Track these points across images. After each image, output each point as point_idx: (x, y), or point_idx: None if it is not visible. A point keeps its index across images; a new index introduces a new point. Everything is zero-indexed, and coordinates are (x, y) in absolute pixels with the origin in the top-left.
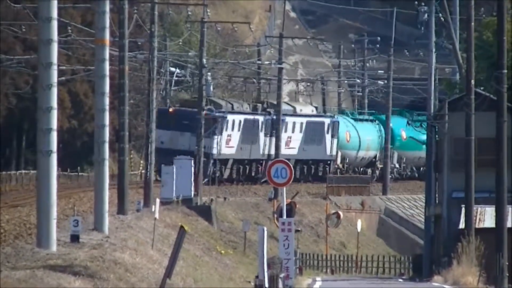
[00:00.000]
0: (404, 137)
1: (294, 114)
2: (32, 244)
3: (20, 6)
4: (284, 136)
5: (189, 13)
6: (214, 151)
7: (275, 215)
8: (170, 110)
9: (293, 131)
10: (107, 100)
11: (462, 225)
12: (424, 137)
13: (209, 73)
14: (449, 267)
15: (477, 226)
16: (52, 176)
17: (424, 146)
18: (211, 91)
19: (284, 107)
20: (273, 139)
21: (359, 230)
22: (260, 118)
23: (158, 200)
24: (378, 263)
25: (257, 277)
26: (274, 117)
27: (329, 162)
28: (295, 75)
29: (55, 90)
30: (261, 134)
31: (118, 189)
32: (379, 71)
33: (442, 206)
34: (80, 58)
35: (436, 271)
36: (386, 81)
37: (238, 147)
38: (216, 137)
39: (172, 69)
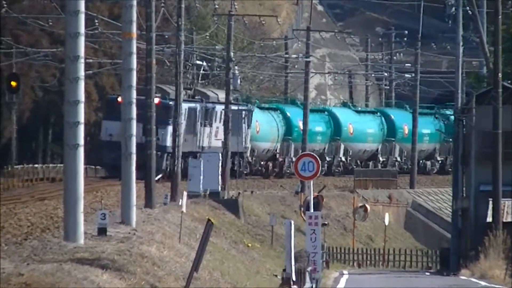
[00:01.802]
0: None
1: (219, 102)
2: (59, 238)
3: None
4: (214, 127)
5: (216, 6)
6: (168, 143)
7: (302, 209)
8: (119, 99)
9: (220, 121)
10: (134, 94)
11: (489, 218)
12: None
13: (236, 67)
14: (476, 261)
15: (504, 220)
16: (79, 170)
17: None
18: (239, 85)
19: (210, 94)
20: (207, 129)
21: (386, 223)
22: (198, 107)
23: (185, 194)
24: (405, 256)
25: (284, 270)
26: (208, 105)
27: (243, 154)
28: (322, 68)
29: (82, 83)
30: (198, 124)
31: (145, 183)
32: (406, 65)
33: (469, 200)
34: (107, 51)
35: (463, 264)
36: (413, 75)
37: (184, 138)
38: (170, 128)
39: (199, 62)
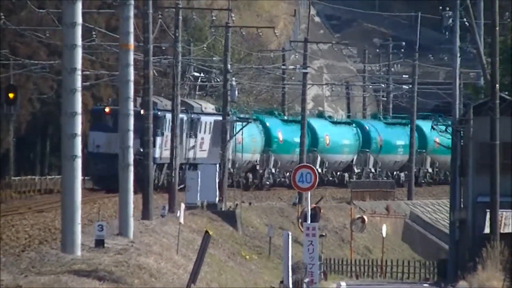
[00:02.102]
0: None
1: (203, 112)
2: (56, 249)
3: (45, 11)
4: (199, 138)
5: (214, 18)
6: (157, 155)
7: (300, 220)
8: (106, 109)
9: (205, 132)
10: (131, 105)
11: (487, 229)
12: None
13: (233, 78)
14: (474, 272)
15: (502, 231)
16: (76, 181)
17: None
18: (236, 96)
19: (194, 105)
20: (192, 140)
21: (384, 235)
22: (184, 117)
23: (183, 205)
24: (403, 267)
25: (281, 282)
26: (193, 116)
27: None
28: (320, 79)
29: (79, 95)
30: (184, 135)
31: (142, 194)
32: (404, 76)
33: (467, 211)
34: (104, 63)
35: (461, 276)
36: (410, 86)
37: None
38: (158, 138)
39: (196, 74)
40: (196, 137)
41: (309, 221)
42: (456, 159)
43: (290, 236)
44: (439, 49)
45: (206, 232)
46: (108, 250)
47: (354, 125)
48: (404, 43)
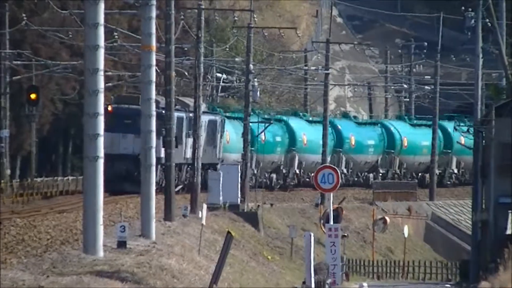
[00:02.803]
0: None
1: (189, 110)
2: (78, 250)
3: (67, 12)
4: (204, 136)
5: (236, 18)
6: (162, 154)
7: (322, 221)
8: (109, 108)
9: (204, 131)
10: (153, 106)
11: (509, 230)
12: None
13: (255, 79)
14: (496, 273)
15: None
16: (98, 182)
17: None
18: (258, 97)
19: (190, 103)
20: (190, 140)
21: (405, 235)
22: (184, 115)
23: (205, 206)
24: (425, 268)
25: (304, 283)
26: (191, 114)
27: (216, 165)
28: (342, 80)
29: (101, 96)
30: (183, 135)
31: (165, 195)
32: (426, 76)
33: (489, 212)
34: (126, 64)
35: (483, 276)
36: (433, 86)
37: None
38: (161, 137)
39: (219, 74)
40: (188, 137)
41: (331, 222)
42: (478, 160)
43: (312, 237)
44: (461, 49)
45: (228, 232)
46: (130, 251)
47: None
48: (426, 44)
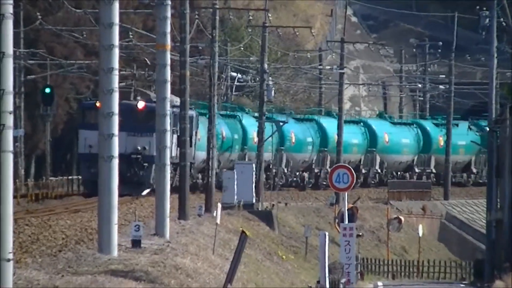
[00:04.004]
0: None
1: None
2: (93, 249)
3: (82, 11)
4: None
5: (250, 18)
6: (155, 153)
7: (336, 220)
8: (98, 104)
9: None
10: (168, 105)
11: None
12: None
13: (270, 78)
14: (511, 272)
15: None
16: (113, 181)
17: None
18: (272, 96)
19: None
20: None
21: (420, 235)
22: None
23: (219, 205)
24: (440, 268)
25: (318, 282)
26: (174, 109)
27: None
28: (356, 80)
29: (116, 95)
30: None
31: (179, 194)
32: (441, 76)
33: (503, 211)
34: (141, 63)
35: (497, 276)
36: (447, 86)
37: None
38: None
39: (233, 74)
40: (175, 133)
41: (346, 221)
42: (493, 159)
43: (327, 237)
44: (475, 49)
45: (243, 232)
46: (144, 250)
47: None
48: (440, 43)
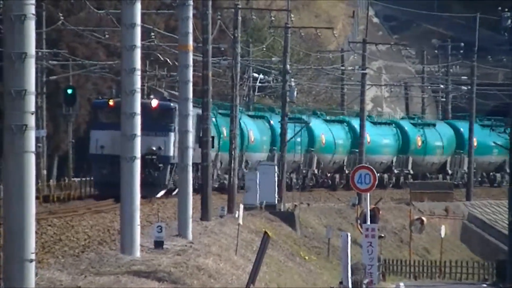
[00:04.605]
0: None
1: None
2: (116, 250)
3: (104, 12)
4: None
5: (273, 18)
6: (171, 153)
7: (358, 221)
8: (111, 102)
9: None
10: (190, 106)
11: None
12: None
13: (292, 79)
14: None
15: None
16: (135, 182)
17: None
18: (295, 97)
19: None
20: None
21: (442, 235)
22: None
23: (241, 206)
24: (462, 268)
25: (341, 283)
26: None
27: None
28: (378, 80)
29: (138, 96)
30: (172, 133)
31: (201, 195)
32: (463, 77)
33: None
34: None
35: None
36: (469, 87)
37: (193, 148)
38: (171, 134)
39: (255, 75)
40: (174, 131)
41: (368, 222)
42: None
43: (349, 237)
44: (497, 50)
45: (265, 233)
46: (167, 251)
47: (393, 125)
48: (462, 44)
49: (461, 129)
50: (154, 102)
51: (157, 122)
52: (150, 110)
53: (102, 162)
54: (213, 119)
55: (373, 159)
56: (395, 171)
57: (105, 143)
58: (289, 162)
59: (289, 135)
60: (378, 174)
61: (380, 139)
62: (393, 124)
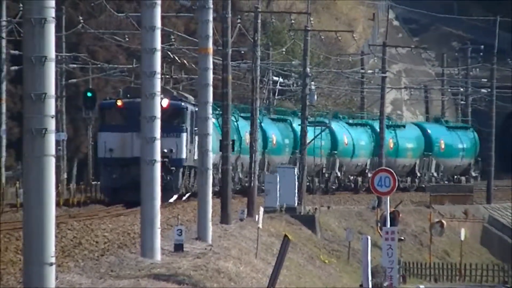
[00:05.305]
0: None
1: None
2: (136, 254)
3: (124, 15)
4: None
5: (292, 21)
6: (184, 155)
7: (379, 224)
8: (119, 103)
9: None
10: (210, 109)
11: None
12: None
13: (312, 82)
14: None
15: None
16: (155, 186)
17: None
18: (315, 100)
19: (189, 96)
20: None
21: (462, 238)
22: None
23: (262, 209)
24: (482, 271)
25: (361, 285)
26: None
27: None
28: (398, 83)
29: (158, 99)
30: (184, 134)
31: (221, 198)
32: (482, 79)
33: None
34: (182, 66)
35: None
36: (489, 89)
37: (189, 149)
38: (183, 135)
39: (275, 78)
40: (186, 132)
41: (388, 225)
42: None
43: (369, 240)
44: None
45: (286, 236)
46: (187, 254)
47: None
48: (482, 47)
49: (429, 131)
50: (165, 102)
51: (168, 123)
52: (161, 110)
53: (111, 166)
54: (235, 122)
55: (348, 161)
56: (369, 175)
57: (114, 145)
58: (311, 165)
59: (311, 138)
60: (352, 177)
61: (357, 140)
62: (368, 126)
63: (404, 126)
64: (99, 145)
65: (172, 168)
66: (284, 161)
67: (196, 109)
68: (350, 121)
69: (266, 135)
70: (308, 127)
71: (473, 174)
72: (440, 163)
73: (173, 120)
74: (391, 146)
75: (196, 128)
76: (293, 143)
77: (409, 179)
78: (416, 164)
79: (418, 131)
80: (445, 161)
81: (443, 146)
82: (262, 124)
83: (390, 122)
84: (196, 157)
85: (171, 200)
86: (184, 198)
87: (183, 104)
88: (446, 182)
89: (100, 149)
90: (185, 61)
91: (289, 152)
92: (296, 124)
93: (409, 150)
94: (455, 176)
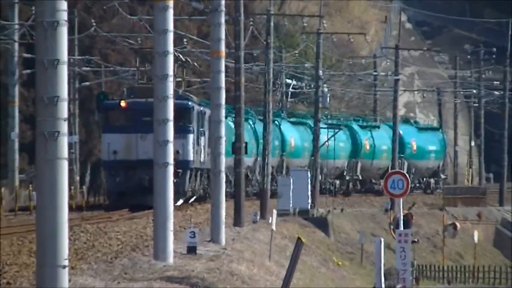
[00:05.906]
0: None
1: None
2: (149, 256)
3: (136, 18)
4: (206, 136)
5: (305, 24)
6: (191, 157)
7: (392, 227)
8: (122, 103)
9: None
10: (223, 112)
11: None
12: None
13: (325, 85)
14: None
15: None
16: (168, 188)
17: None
18: (328, 103)
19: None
20: (202, 139)
21: (475, 241)
22: (203, 109)
23: (275, 212)
24: (495, 273)
25: None
26: (201, 108)
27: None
28: (411, 86)
29: (171, 102)
30: (191, 135)
31: (234, 201)
32: (495, 82)
33: None
34: (195, 69)
35: None
36: (502, 92)
37: (195, 150)
38: (190, 136)
39: (288, 80)
40: (204, 135)
41: (401, 228)
42: None
43: (382, 243)
44: None
45: (299, 238)
46: (200, 256)
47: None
48: (495, 49)
49: (401, 132)
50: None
51: (174, 123)
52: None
53: (115, 168)
54: (252, 125)
55: (329, 163)
56: (347, 178)
57: (118, 147)
58: (331, 168)
59: (330, 141)
60: (332, 180)
61: (336, 143)
62: (346, 127)
63: (378, 127)
64: (103, 147)
65: (178, 170)
66: (303, 164)
67: (202, 108)
68: (371, 124)
69: (285, 138)
70: (325, 130)
71: (442, 176)
72: (411, 165)
73: (179, 121)
74: (367, 148)
75: (202, 129)
76: (313, 146)
77: (382, 181)
78: (389, 167)
79: (390, 133)
80: (417, 163)
81: (415, 148)
82: (280, 127)
83: (364, 123)
84: (202, 158)
85: (177, 204)
86: (190, 201)
87: (190, 103)
88: (417, 184)
89: (104, 152)
90: (195, 64)
91: (309, 155)
92: None
93: (384, 152)
94: (424, 179)
